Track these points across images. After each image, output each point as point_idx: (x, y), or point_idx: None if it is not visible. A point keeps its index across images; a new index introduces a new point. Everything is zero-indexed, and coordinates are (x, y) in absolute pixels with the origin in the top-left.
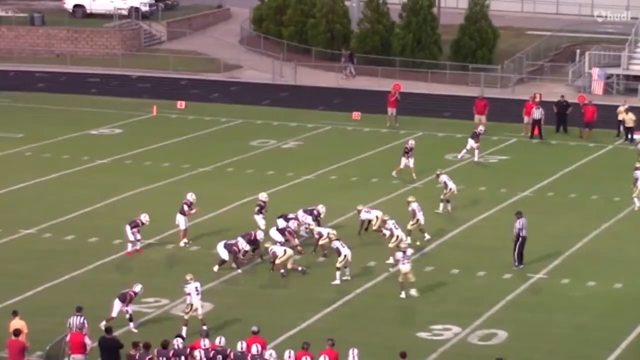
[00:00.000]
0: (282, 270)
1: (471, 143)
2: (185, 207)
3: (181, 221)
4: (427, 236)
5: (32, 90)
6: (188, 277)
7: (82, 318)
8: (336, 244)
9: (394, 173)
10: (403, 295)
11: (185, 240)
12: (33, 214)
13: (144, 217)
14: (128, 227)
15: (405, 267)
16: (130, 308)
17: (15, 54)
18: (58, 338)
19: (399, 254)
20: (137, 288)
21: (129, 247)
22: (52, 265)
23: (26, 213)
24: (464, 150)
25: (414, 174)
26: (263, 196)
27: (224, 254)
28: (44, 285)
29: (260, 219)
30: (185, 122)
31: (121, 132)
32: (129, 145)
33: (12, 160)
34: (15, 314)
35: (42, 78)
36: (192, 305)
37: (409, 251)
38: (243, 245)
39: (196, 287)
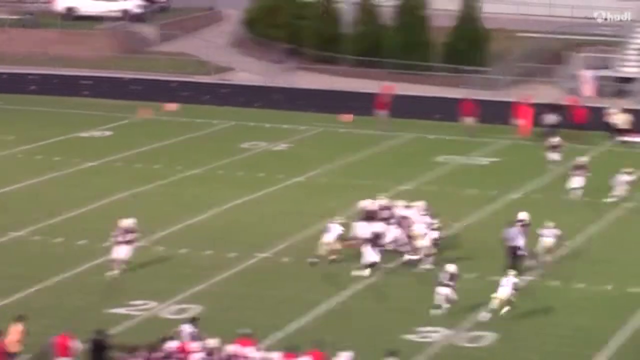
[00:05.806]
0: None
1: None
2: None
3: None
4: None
5: (24, 93)
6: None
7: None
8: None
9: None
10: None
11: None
12: (23, 216)
13: None
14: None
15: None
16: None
17: (7, 56)
18: (46, 342)
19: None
20: (451, 268)
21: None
22: (41, 268)
23: (16, 215)
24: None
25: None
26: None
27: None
28: (34, 288)
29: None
30: (176, 125)
31: (112, 135)
32: (120, 148)
33: (3, 162)
34: (19, 319)
35: (34, 80)
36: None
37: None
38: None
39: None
